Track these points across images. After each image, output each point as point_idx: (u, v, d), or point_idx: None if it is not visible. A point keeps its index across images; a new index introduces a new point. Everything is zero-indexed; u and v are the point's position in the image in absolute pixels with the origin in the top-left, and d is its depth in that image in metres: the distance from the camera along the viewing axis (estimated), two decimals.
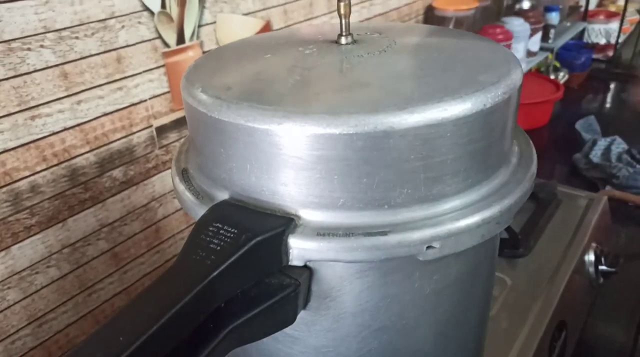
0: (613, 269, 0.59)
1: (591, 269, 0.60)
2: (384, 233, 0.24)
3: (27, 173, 0.48)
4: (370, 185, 0.24)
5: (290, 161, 0.24)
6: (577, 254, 0.58)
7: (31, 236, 0.50)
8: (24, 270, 0.50)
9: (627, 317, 0.64)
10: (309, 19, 0.76)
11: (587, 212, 0.65)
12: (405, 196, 0.25)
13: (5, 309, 0.49)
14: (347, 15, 0.30)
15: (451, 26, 1.06)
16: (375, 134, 0.23)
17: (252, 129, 0.24)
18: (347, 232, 0.25)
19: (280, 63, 0.30)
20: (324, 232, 0.25)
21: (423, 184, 0.25)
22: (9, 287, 0.49)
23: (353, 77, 0.27)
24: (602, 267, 0.60)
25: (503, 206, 0.26)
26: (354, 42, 0.32)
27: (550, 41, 1.25)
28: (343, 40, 0.31)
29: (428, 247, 0.25)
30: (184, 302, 0.20)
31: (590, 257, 0.60)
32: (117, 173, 0.56)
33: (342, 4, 0.30)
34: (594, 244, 0.61)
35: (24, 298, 0.51)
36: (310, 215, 0.25)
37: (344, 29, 0.31)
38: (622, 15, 1.51)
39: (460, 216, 0.25)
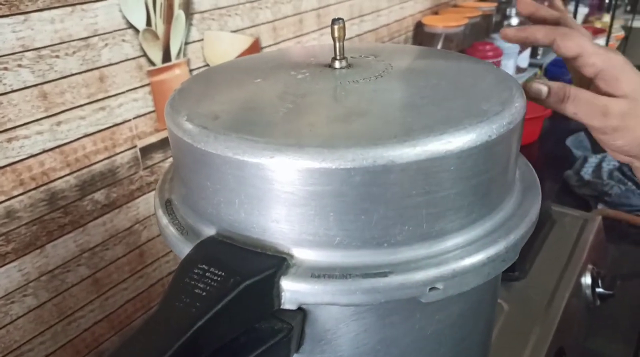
0: (611, 292, 0.58)
1: (588, 292, 0.59)
2: (384, 274, 0.23)
3: (2, 198, 0.45)
4: (369, 222, 0.23)
5: (282, 197, 0.23)
6: (574, 277, 0.57)
7: (7, 263, 0.47)
8: None
9: (624, 340, 0.62)
10: (298, 36, 0.75)
11: (582, 232, 0.64)
12: (406, 234, 0.23)
13: None
14: (342, 38, 0.29)
15: (440, 42, 1.06)
16: (375, 168, 0.22)
17: (242, 163, 0.22)
18: (344, 273, 0.23)
19: (271, 89, 0.28)
20: (319, 273, 0.23)
21: (425, 220, 0.23)
22: None
23: (349, 106, 0.26)
24: (599, 290, 0.58)
25: (509, 241, 0.25)
26: (349, 66, 0.30)
27: (539, 57, 1.25)
28: (337, 64, 0.30)
29: (431, 289, 0.23)
30: None
31: (587, 279, 0.59)
32: (98, 196, 0.54)
33: (336, 26, 0.28)
34: (590, 266, 0.60)
35: None
36: (303, 254, 0.24)
37: (338, 53, 0.30)
38: (608, 31, 1.52)
39: (465, 254, 0.24)
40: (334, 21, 0.28)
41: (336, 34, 0.28)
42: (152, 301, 0.63)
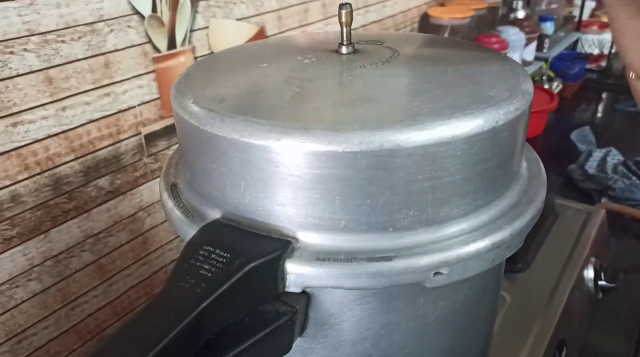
0: (613, 285, 0.58)
1: (590, 285, 0.59)
2: (389, 258, 0.23)
3: (7, 182, 0.46)
4: (374, 207, 0.23)
5: (288, 180, 0.23)
6: (577, 270, 0.57)
7: (11, 248, 0.48)
8: (3, 284, 0.48)
9: (626, 333, 0.62)
10: (303, 26, 0.75)
11: (586, 225, 0.64)
12: (411, 218, 0.23)
13: None
14: (349, 23, 0.29)
15: (446, 35, 1.05)
16: (381, 152, 0.21)
17: (248, 145, 0.22)
18: (349, 257, 0.23)
19: (277, 73, 0.28)
20: (323, 256, 0.23)
21: (430, 205, 0.23)
22: None
23: (355, 90, 0.26)
24: (602, 283, 0.58)
25: (514, 228, 0.25)
26: (355, 51, 0.30)
27: (544, 51, 1.25)
28: (344, 49, 0.30)
29: (435, 274, 0.23)
30: (170, 338, 0.19)
31: (590, 272, 0.59)
32: (103, 182, 0.54)
33: (343, 11, 0.28)
34: (592, 259, 0.60)
35: (2, 313, 0.48)
36: (309, 237, 0.24)
37: (345, 38, 0.29)
38: None
39: (470, 240, 0.24)
40: (341, 6, 0.28)
41: (343, 19, 0.28)
42: (155, 288, 0.63)
